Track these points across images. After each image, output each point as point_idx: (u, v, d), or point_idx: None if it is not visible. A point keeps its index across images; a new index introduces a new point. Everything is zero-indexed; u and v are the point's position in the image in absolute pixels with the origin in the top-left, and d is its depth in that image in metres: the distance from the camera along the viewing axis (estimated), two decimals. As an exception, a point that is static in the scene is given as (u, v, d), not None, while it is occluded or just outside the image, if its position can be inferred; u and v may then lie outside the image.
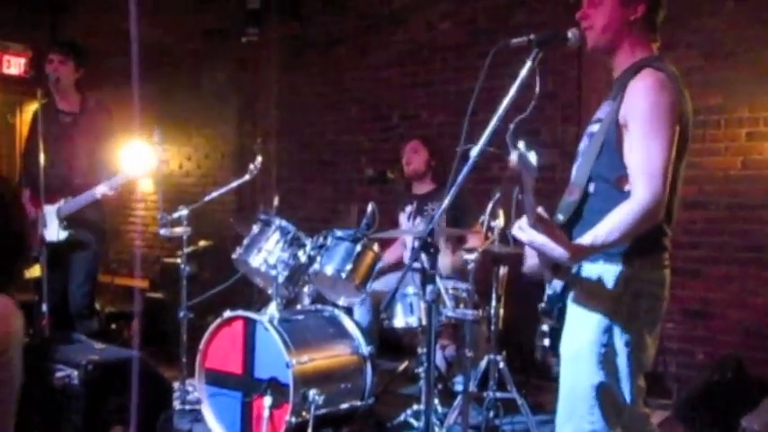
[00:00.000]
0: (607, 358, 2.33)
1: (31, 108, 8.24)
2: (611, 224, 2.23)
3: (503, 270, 4.01)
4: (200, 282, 4.96)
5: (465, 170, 2.26)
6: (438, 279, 2.65)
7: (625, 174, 2.31)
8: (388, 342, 4.99)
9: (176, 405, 4.08)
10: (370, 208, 4.00)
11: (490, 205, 3.91)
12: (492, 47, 2.29)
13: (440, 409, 4.08)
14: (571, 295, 2.43)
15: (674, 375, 4.84)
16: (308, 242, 4.07)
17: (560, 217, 2.44)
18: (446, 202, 2.30)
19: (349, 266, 3.94)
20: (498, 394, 3.97)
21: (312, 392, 3.58)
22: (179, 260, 4.61)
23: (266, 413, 3.57)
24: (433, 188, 4.78)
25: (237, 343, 3.82)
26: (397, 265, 4.86)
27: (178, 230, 4.48)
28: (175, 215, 4.50)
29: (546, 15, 5.33)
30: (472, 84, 2.34)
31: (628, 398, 2.37)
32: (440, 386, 4.50)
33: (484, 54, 2.30)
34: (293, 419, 3.54)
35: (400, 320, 4.13)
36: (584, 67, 5.20)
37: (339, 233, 4.05)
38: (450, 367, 4.81)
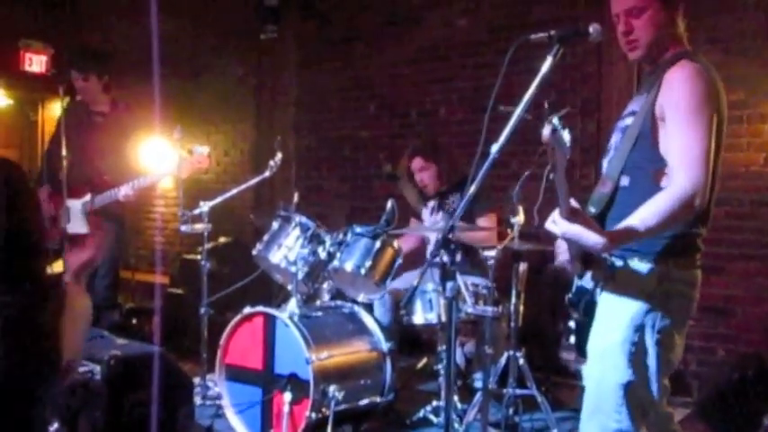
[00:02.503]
0: (637, 357, 2.31)
1: (53, 105, 8.35)
2: (649, 211, 2.18)
3: (522, 266, 3.99)
4: (220, 278, 4.98)
5: (485, 167, 2.24)
6: (458, 275, 2.64)
7: (662, 167, 2.27)
8: (407, 338, 4.99)
9: (197, 400, 4.10)
10: (389, 204, 4.00)
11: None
12: (510, 44, 2.26)
13: (459, 405, 4.08)
14: (603, 292, 2.40)
15: (694, 373, 4.81)
16: (328, 238, 4.08)
17: (592, 209, 2.42)
18: (467, 198, 2.29)
19: (368, 263, 3.94)
20: (518, 391, 3.96)
21: (332, 388, 3.60)
22: (199, 256, 4.65)
23: (286, 409, 3.59)
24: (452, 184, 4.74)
25: (258, 339, 3.84)
26: (415, 259, 4.85)
27: (198, 227, 4.52)
28: (195, 212, 4.53)
29: (564, 11, 5.30)
30: (490, 80, 2.34)
31: (655, 397, 2.35)
32: (459, 383, 4.50)
33: (502, 51, 2.28)
34: (313, 415, 3.55)
35: (420, 317, 4.13)
36: (604, 62, 5.16)
37: (359, 229, 4.05)
38: (470, 364, 4.80)
